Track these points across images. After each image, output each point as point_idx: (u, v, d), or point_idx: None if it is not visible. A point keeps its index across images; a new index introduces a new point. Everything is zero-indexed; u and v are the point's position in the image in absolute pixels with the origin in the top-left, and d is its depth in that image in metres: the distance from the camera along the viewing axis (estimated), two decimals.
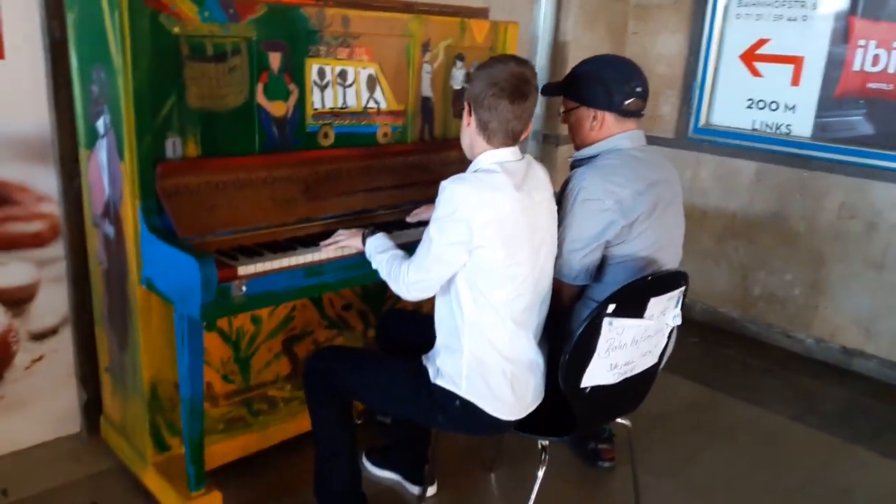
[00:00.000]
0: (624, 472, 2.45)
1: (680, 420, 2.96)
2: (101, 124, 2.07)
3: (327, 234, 2.15)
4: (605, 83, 1.99)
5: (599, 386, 1.79)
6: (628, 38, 4.07)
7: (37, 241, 2.36)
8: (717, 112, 3.84)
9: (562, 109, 2.12)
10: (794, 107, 3.55)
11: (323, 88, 2.33)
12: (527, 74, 1.77)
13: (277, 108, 2.22)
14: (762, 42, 3.61)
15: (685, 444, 2.79)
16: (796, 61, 3.50)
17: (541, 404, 1.90)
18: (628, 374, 1.83)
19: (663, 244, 1.97)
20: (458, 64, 2.70)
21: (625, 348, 1.76)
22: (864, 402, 3.21)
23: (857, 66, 3.30)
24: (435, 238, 1.74)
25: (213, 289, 1.81)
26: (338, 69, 2.34)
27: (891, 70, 3.21)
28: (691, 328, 3.93)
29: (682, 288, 1.84)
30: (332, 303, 2.55)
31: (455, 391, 1.79)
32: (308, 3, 2.24)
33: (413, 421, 2.11)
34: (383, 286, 1.93)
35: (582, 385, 1.76)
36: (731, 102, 3.77)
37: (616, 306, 1.67)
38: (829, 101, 3.42)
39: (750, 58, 3.67)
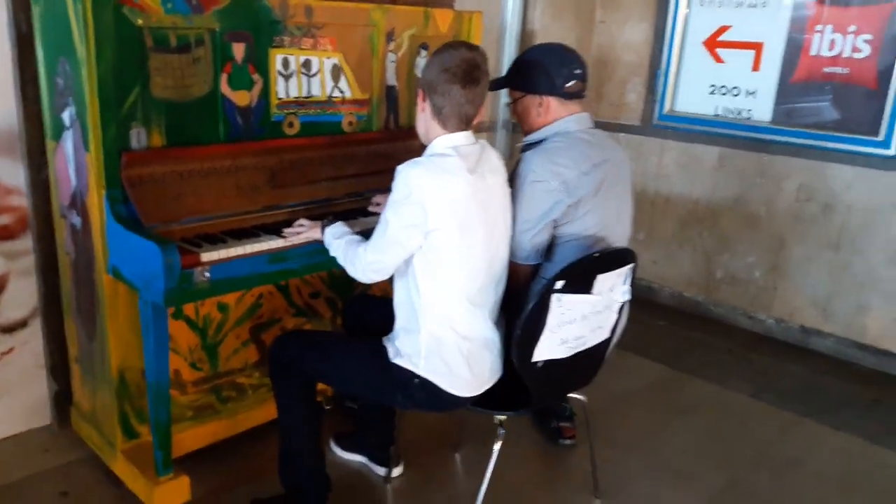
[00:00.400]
0: (585, 449, 2.52)
1: (642, 399, 3.05)
2: (66, 116, 2.09)
3: (292, 221, 2.20)
4: (545, 69, 2.07)
5: (551, 360, 1.86)
6: (596, 27, 4.13)
7: (5, 233, 2.38)
8: (681, 99, 3.92)
9: (508, 101, 2.19)
10: (754, 92, 3.63)
11: (287, 78, 2.36)
12: (477, 60, 1.82)
13: (241, 98, 2.25)
14: (724, 29, 3.69)
15: (646, 421, 2.88)
16: (756, 47, 3.58)
17: (498, 381, 1.97)
18: (579, 349, 1.91)
19: (610, 223, 2.03)
20: (423, 53, 2.74)
21: (574, 323, 1.82)
22: (820, 379, 3.32)
23: (814, 51, 3.40)
24: (391, 221, 1.79)
25: (175, 274, 1.85)
26: (302, 59, 2.38)
27: (846, 54, 3.30)
28: (658, 312, 4.03)
29: (631, 265, 1.91)
30: (299, 291, 2.59)
31: (413, 370, 1.85)
32: None
33: (375, 401, 2.17)
34: None
35: (533, 359, 1.83)
36: (695, 89, 3.85)
37: (565, 283, 1.74)
38: (788, 86, 3.51)
39: (713, 44, 3.75)
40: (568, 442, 2.65)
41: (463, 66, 1.81)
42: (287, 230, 2.14)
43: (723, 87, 3.74)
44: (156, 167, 2.06)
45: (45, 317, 2.50)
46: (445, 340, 1.84)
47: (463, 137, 1.86)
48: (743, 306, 3.85)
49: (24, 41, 2.22)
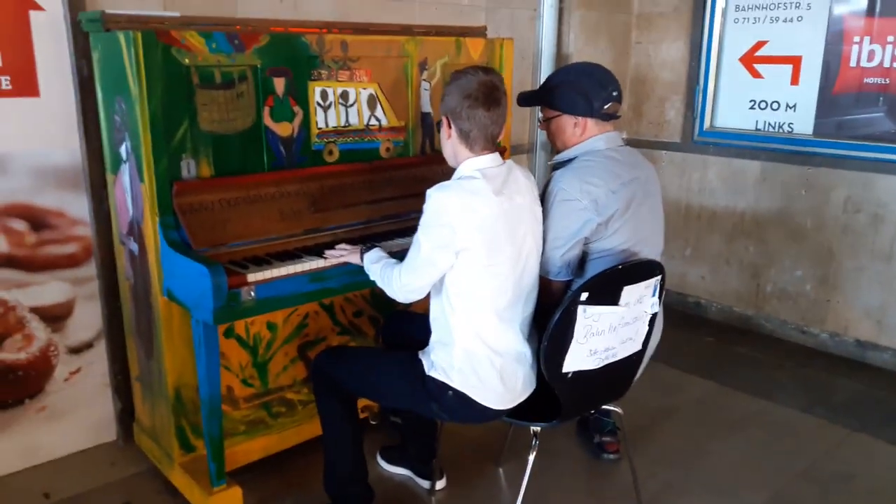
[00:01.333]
0: (629, 464, 2.53)
1: (687, 414, 3.03)
2: (123, 150, 2.27)
3: (334, 243, 2.32)
4: (584, 91, 2.13)
5: (581, 371, 1.90)
6: (632, 48, 4.19)
7: (72, 261, 2.57)
8: (721, 114, 3.92)
9: (541, 118, 2.25)
10: (794, 105, 3.62)
11: (326, 109, 2.50)
12: (495, 81, 1.92)
13: (283, 129, 2.40)
14: (760, 44, 3.70)
15: (692, 436, 2.86)
16: (794, 61, 3.57)
17: (533, 394, 2.02)
18: (610, 360, 1.94)
19: (641, 238, 2.07)
20: None
21: (602, 335, 1.87)
22: (874, 394, 3.23)
23: (853, 63, 3.37)
24: (422, 243, 1.88)
25: (223, 294, 1.98)
26: (339, 90, 2.52)
27: (886, 64, 3.26)
28: (707, 327, 4.00)
29: (658, 277, 1.94)
30: (343, 310, 2.70)
31: (447, 382, 1.92)
32: (308, 31, 2.42)
33: (412, 411, 2.24)
34: None
35: (564, 370, 1.87)
36: (734, 104, 3.85)
37: (589, 294, 1.79)
38: (829, 98, 3.49)
39: (750, 60, 3.75)
40: (611, 457, 2.66)
41: (483, 90, 1.90)
42: (328, 252, 2.25)
43: (762, 101, 3.73)
44: (205, 195, 2.21)
45: (109, 339, 2.68)
46: (478, 354, 1.91)
47: (489, 160, 1.94)
48: (795, 321, 3.78)
49: (86, 84, 2.42)
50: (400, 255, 2.07)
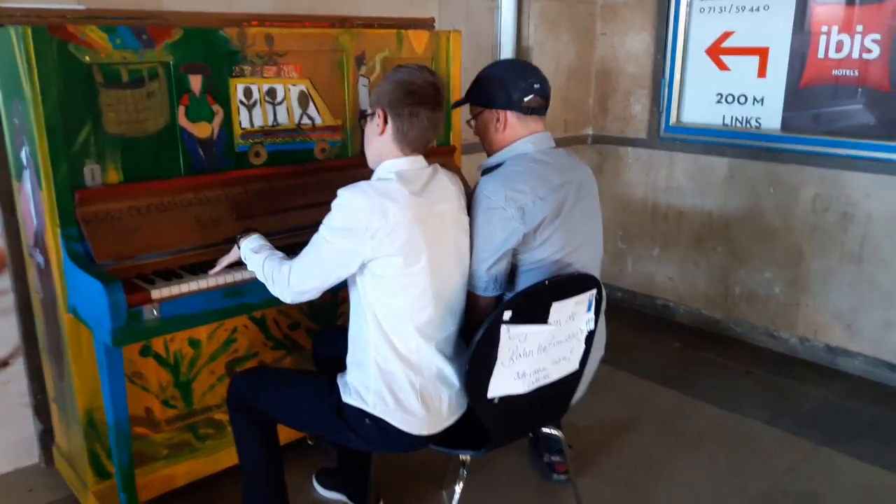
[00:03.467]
0: (581, 483, 2.38)
1: (649, 427, 2.88)
2: (24, 155, 2.09)
3: None
4: (502, 83, 1.98)
5: (509, 396, 1.74)
6: (597, 39, 4.02)
7: None
8: (688, 109, 3.77)
9: (469, 119, 2.10)
10: (762, 99, 3.46)
11: (251, 108, 2.33)
12: (439, 84, 1.78)
13: (202, 130, 2.22)
14: (727, 35, 3.54)
15: (650, 452, 2.71)
16: (761, 52, 3.42)
17: (463, 418, 1.86)
18: (542, 383, 1.78)
19: (574, 247, 1.91)
20: None
21: (531, 356, 1.71)
22: (843, 403, 3.09)
23: (821, 54, 3.22)
24: (323, 244, 1.72)
25: (122, 313, 1.82)
26: (265, 87, 2.35)
27: (855, 56, 3.11)
28: (675, 332, 3.85)
29: (592, 291, 1.79)
30: (276, 323, 2.54)
31: (363, 408, 1.76)
32: (227, 25, 2.25)
33: (332, 440, 2.08)
34: (333, 303, 1.89)
35: (489, 395, 1.71)
36: (701, 98, 3.70)
37: (513, 313, 1.63)
38: (797, 92, 3.34)
39: (716, 51, 3.59)
40: (561, 477, 2.50)
41: (430, 90, 1.76)
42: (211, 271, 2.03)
43: (729, 95, 3.58)
44: (111, 204, 2.03)
45: (27, 356, 2.50)
46: (395, 374, 1.75)
47: (410, 161, 1.79)
48: (764, 324, 3.64)
49: None
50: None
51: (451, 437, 1.86)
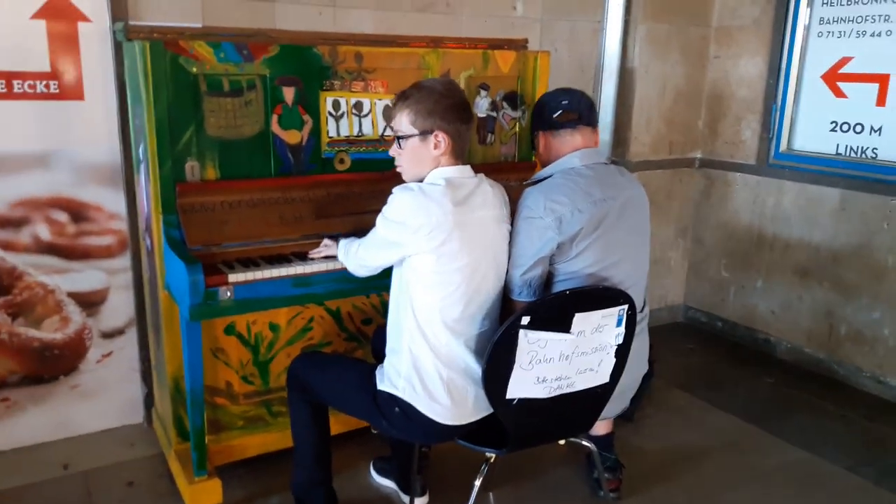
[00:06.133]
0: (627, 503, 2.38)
1: (718, 459, 2.79)
2: (141, 152, 2.43)
3: None
4: (539, 107, 2.15)
5: (528, 399, 1.81)
6: (709, 63, 3.94)
7: (108, 252, 2.77)
8: (800, 136, 3.60)
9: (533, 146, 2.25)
10: (879, 129, 3.26)
11: (338, 119, 2.55)
12: (465, 96, 1.94)
13: (292, 137, 2.47)
14: (845, 60, 3.36)
15: (713, 483, 2.63)
16: (881, 79, 3.22)
17: (493, 418, 1.94)
18: (564, 391, 1.84)
19: (612, 262, 1.95)
20: (482, 93, 2.81)
21: (552, 363, 1.77)
22: None
23: None
24: (378, 230, 1.95)
25: (200, 291, 2.07)
26: (353, 101, 2.56)
27: None
28: (771, 368, 3.67)
29: (623, 307, 1.81)
30: (350, 317, 2.73)
31: (394, 392, 1.90)
32: (321, 42, 2.48)
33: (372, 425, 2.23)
34: None
35: (508, 396, 1.79)
36: (814, 126, 3.53)
37: (531, 318, 1.70)
38: None
39: (833, 77, 3.42)
40: (611, 495, 2.50)
41: (464, 104, 1.92)
42: (312, 251, 2.29)
43: (845, 123, 3.39)
44: (206, 197, 2.31)
45: (139, 327, 2.87)
46: (425, 362, 1.88)
47: (459, 170, 1.93)
48: (870, 368, 3.40)
49: (123, 89, 2.61)
50: None
51: (478, 435, 1.94)
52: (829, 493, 2.58)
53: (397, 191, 1.90)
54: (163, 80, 2.20)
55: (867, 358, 3.40)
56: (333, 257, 2.24)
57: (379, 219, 1.93)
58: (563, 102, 2.08)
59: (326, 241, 2.29)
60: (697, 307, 4.24)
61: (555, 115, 2.07)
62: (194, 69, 2.25)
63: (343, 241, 2.19)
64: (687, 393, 3.35)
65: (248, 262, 2.26)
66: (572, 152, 2.05)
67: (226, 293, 2.13)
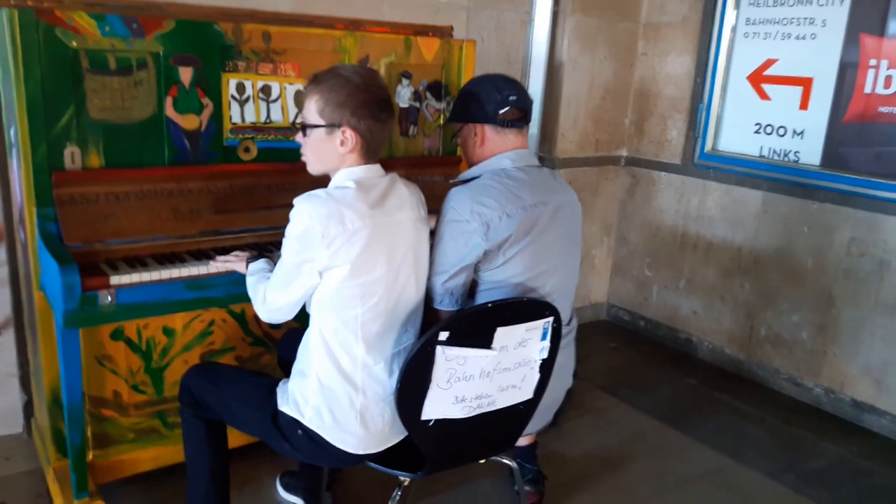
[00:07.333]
0: None
1: (639, 466, 2.73)
2: (12, 134, 2.14)
3: (236, 248, 2.15)
4: (478, 97, 1.93)
5: (446, 420, 1.65)
6: (637, 59, 3.88)
7: None
8: (725, 137, 3.58)
9: (453, 135, 2.05)
10: (802, 132, 3.25)
11: (243, 103, 2.32)
12: (383, 84, 1.76)
13: (189, 122, 2.23)
14: (770, 62, 3.34)
15: (634, 493, 2.56)
16: (805, 83, 3.21)
17: (410, 439, 1.78)
18: (484, 410, 1.69)
19: (542, 271, 1.81)
20: (405, 81, 2.64)
21: (472, 380, 1.62)
22: (859, 464, 2.85)
23: (867, 89, 2.99)
24: (285, 257, 1.68)
25: (76, 295, 1.83)
26: (260, 84, 2.34)
27: None
28: (693, 369, 3.66)
29: (547, 319, 1.68)
30: (256, 319, 2.51)
31: (299, 419, 1.71)
32: (222, 18, 2.25)
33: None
34: None
35: (423, 417, 1.63)
36: (739, 127, 3.51)
37: (450, 334, 1.55)
38: (839, 127, 3.11)
39: (758, 79, 3.40)
40: None
41: (385, 97, 1.73)
42: (219, 258, 2.08)
43: (769, 125, 3.38)
44: (88, 187, 2.06)
45: (17, 327, 2.57)
46: (335, 391, 1.69)
47: (368, 170, 1.74)
48: (788, 371, 3.41)
49: None
50: None
51: (392, 457, 1.78)
52: (750, 501, 2.54)
53: (300, 201, 1.65)
54: (35, 54, 1.93)
55: (785, 360, 3.41)
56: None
57: (284, 245, 1.68)
58: (511, 98, 1.90)
59: (237, 253, 2.06)
60: (621, 305, 4.19)
61: (501, 112, 1.89)
62: (74, 43, 1.99)
63: (253, 269, 1.89)
64: (610, 395, 3.28)
65: (136, 262, 2.02)
66: (503, 153, 1.89)
67: (107, 297, 1.89)
